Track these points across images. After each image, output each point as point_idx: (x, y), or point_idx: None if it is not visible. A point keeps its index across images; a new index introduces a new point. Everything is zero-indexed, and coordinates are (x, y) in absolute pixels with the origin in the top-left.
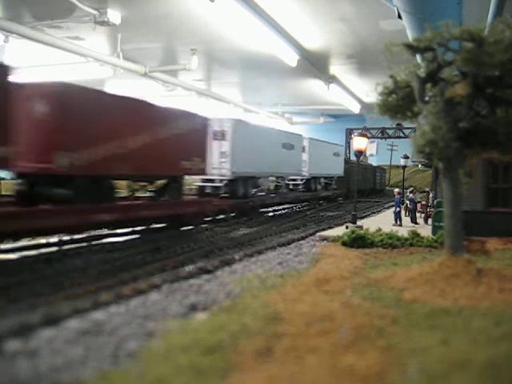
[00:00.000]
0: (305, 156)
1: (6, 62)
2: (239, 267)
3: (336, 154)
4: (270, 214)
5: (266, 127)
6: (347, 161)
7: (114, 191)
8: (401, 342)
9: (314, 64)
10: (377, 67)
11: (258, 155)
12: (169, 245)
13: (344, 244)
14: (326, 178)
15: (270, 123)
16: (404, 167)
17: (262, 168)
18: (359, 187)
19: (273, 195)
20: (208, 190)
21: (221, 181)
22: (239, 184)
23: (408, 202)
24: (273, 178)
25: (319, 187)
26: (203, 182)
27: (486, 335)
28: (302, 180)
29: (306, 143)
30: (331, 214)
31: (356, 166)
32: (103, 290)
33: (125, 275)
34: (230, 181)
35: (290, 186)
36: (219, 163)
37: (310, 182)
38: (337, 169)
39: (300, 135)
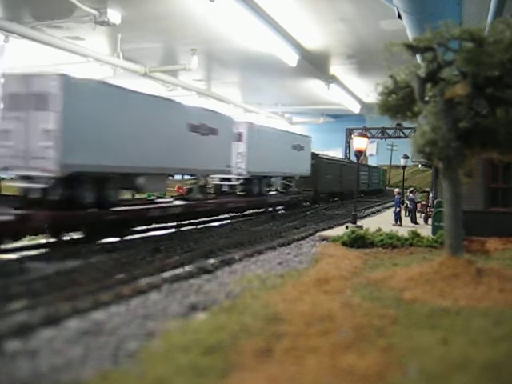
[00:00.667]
0: (242, 147)
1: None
2: (239, 267)
3: (297, 147)
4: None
5: (144, 94)
6: (315, 156)
7: None
8: (401, 342)
9: (314, 64)
10: (377, 67)
11: (127, 139)
12: None
13: (344, 244)
14: (279, 177)
15: (271, 123)
16: (404, 167)
17: (139, 161)
18: (332, 189)
19: (177, 203)
20: (35, 195)
21: (47, 180)
22: (85, 185)
23: (408, 202)
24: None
25: (268, 190)
26: (27, 182)
27: (486, 335)
28: (238, 180)
29: (243, 129)
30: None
31: (326, 162)
32: (103, 289)
33: (125, 275)
34: (60, 180)
35: (224, 189)
36: (40, 150)
37: (252, 183)
38: (299, 166)
39: (229, 117)
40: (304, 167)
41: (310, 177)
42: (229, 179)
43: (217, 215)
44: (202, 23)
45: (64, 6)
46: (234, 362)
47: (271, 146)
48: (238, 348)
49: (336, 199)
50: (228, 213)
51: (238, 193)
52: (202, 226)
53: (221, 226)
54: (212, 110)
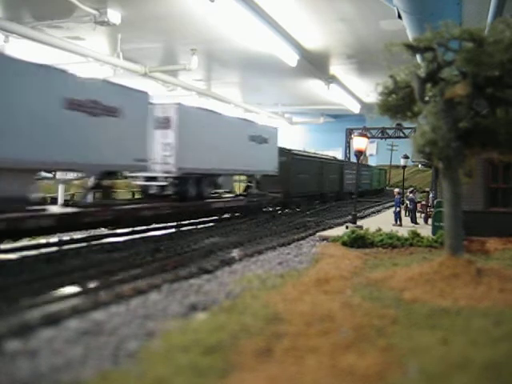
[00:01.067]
0: (170, 136)
1: None
2: (239, 267)
3: (258, 140)
4: None
5: None
6: (285, 151)
7: None
8: (401, 342)
9: (314, 64)
10: (377, 67)
11: None
12: None
13: (344, 244)
14: (231, 175)
15: (271, 123)
16: (404, 167)
17: None
18: (309, 190)
19: (49, 212)
20: None
21: None
22: None
23: (408, 202)
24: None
25: (212, 192)
26: None
27: (486, 335)
28: (166, 179)
29: (172, 113)
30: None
31: (301, 159)
32: (103, 289)
33: (125, 275)
34: None
35: (152, 191)
36: None
37: (187, 183)
38: (261, 162)
39: (143, 94)
40: (269, 164)
41: (280, 176)
42: (155, 178)
43: (124, 227)
44: (202, 23)
45: (64, 6)
46: (234, 362)
47: (217, 135)
48: (238, 348)
49: (317, 202)
50: (144, 224)
51: (173, 196)
52: (202, 226)
53: (221, 226)
54: (112, 83)
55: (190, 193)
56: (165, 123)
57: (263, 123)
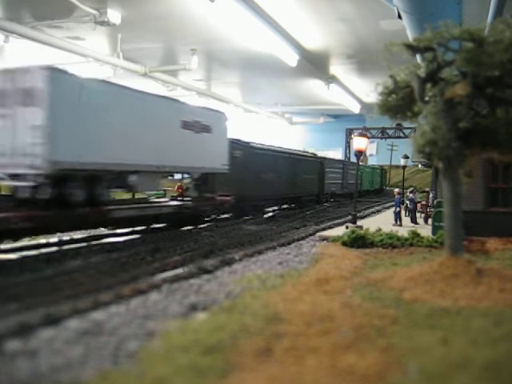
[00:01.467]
0: (38, 115)
1: None
2: (239, 267)
3: (195, 127)
4: None
5: None
6: (242, 144)
7: None
8: (401, 342)
9: (314, 64)
10: (377, 67)
11: None
12: None
13: (344, 244)
14: (150, 173)
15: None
16: (404, 167)
17: None
18: (276, 193)
19: None
20: None
21: None
22: None
23: (408, 202)
24: None
25: (110, 194)
26: None
27: (486, 335)
28: (36, 178)
29: (39, 81)
30: None
31: (264, 154)
32: (103, 289)
33: (125, 275)
34: None
35: (23, 194)
36: None
37: (70, 183)
38: (201, 157)
39: None
40: (214, 159)
41: (233, 175)
42: (15, 175)
43: None
44: (202, 23)
45: (64, 6)
46: (234, 362)
47: (124, 118)
48: (238, 348)
49: (293, 205)
50: None
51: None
52: (201, 226)
53: (221, 226)
54: None
55: (75, 196)
56: (29, 97)
57: (204, 106)
